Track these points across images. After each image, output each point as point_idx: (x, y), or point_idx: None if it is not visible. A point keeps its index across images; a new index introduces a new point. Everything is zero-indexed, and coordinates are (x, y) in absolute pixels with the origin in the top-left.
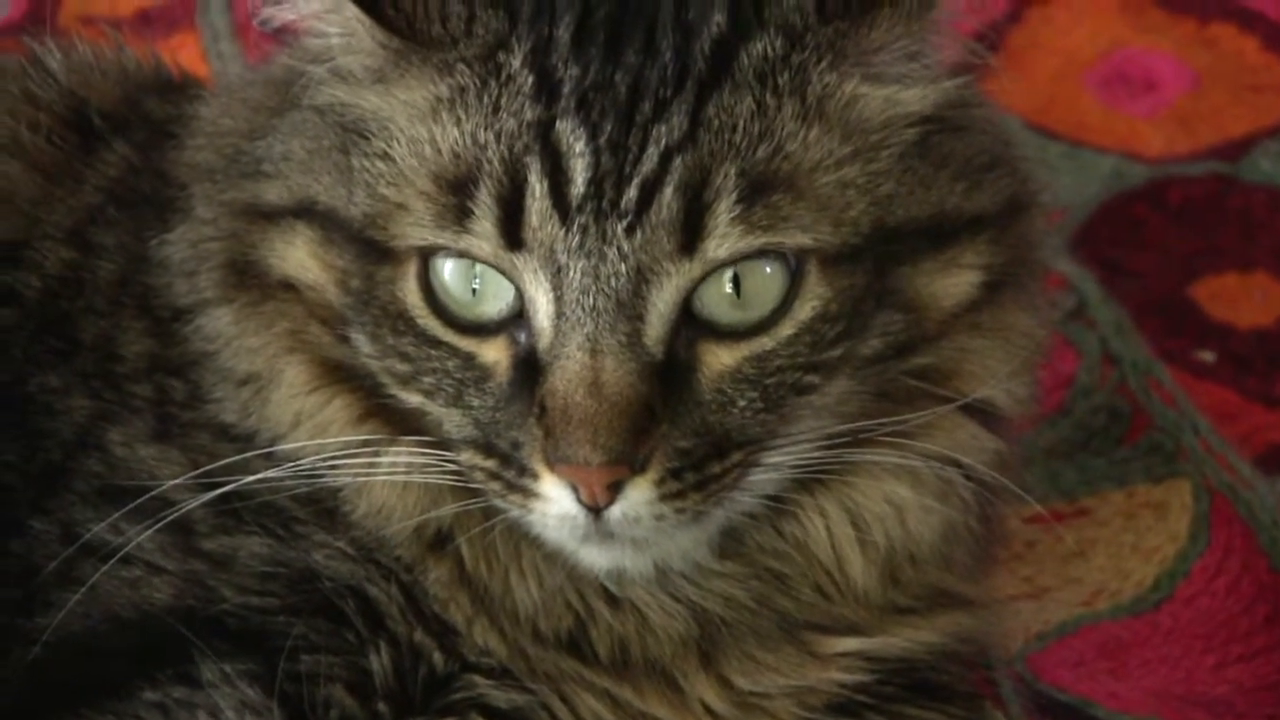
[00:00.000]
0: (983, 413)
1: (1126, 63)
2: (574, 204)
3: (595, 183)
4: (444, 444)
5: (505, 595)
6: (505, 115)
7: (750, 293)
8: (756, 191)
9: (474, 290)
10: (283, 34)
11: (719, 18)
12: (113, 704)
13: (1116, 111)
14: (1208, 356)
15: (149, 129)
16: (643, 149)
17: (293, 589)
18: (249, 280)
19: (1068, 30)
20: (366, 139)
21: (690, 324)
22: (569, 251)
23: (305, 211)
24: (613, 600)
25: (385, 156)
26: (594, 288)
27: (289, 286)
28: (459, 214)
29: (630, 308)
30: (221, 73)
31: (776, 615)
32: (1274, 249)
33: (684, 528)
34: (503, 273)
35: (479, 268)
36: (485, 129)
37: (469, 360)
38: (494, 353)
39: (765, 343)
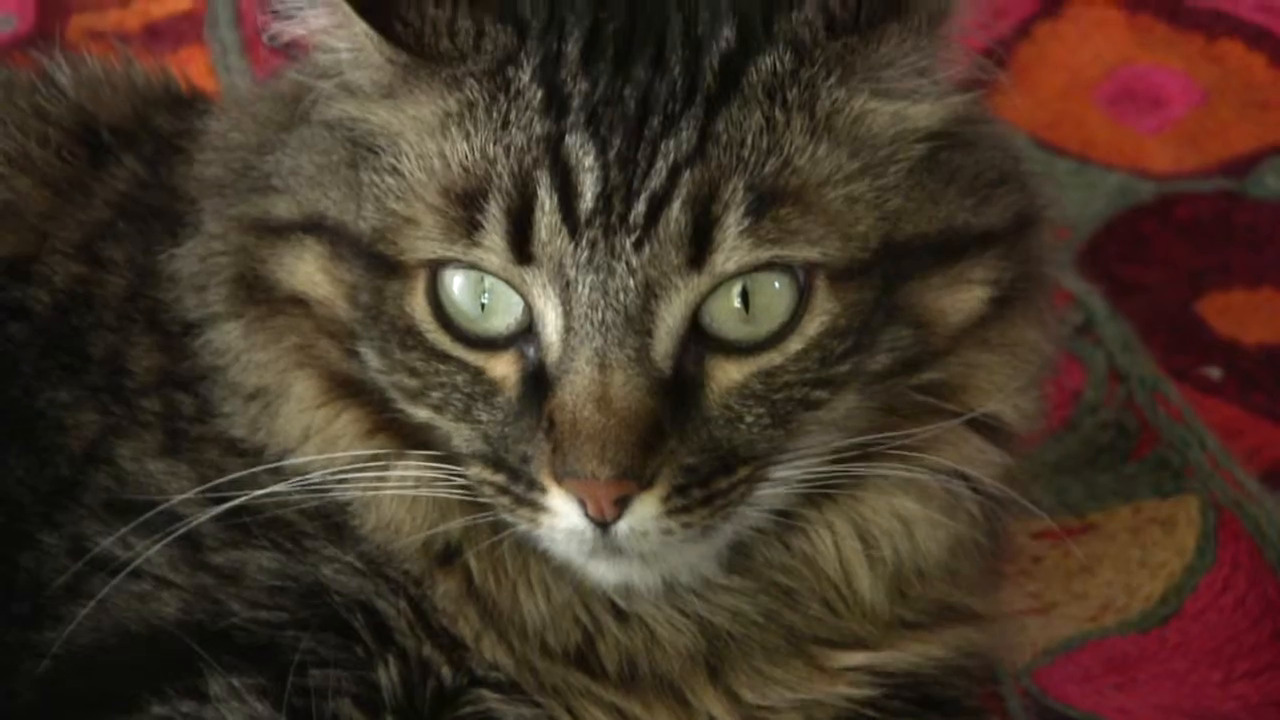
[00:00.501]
0: (990, 428)
1: (1134, 79)
2: (583, 218)
3: (604, 197)
4: (452, 458)
5: (513, 609)
6: (514, 129)
7: (759, 308)
8: (765, 205)
9: (483, 305)
10: (291, 49)
11: (728, 33)
12: (121, 718)
13: (1124, 128)
14: (1214, 373)
15: (158, 144)
16: (651, 163)
17: (301, 603)
18: (258, 295)
19: (1076, 47)
20: (375, 154)
21: (699, 339)
22: (578, 266)
23: (314, 226)
24: (620, 615)
25: (394, 171)
26: (603, 302)
27: (298, 301)
28: (468, 227)
29: (639, 322)
30: (230, 87)
31: (784, 630)
32: None
33: (691, 543)
34: (511, 287)
35: (488, 281)
36: (494, 143)
37: (477, 375)
38: (502, 367)
39: (774, 358)
